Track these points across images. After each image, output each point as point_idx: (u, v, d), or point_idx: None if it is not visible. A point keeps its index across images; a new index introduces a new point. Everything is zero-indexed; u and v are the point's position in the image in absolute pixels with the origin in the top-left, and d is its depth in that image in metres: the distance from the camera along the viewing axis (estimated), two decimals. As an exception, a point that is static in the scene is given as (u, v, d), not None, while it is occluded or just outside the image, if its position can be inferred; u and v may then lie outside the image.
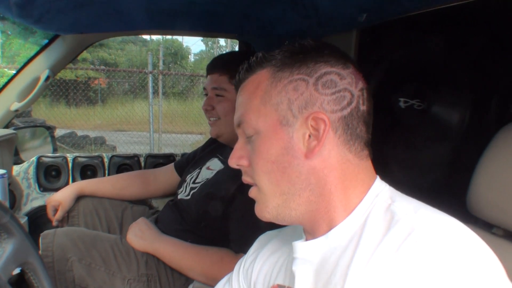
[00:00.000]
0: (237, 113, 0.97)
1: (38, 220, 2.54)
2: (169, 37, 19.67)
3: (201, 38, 20.17)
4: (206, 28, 2.52)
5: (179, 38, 20.93)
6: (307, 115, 0.87)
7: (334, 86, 0.87)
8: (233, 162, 0.98)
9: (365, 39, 2.18)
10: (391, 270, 0.74)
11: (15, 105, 2.37)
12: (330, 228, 0.89)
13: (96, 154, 2.82)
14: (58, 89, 11.80)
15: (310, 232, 0.94)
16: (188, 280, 1.83)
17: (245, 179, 0.98)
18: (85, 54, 15.79)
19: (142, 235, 1.87)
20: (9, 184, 2.38)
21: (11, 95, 2.37)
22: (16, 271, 1.11)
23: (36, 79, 2.36)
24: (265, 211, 0.94)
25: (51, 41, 2.36)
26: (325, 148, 0.87)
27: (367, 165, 0.92)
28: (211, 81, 1.95)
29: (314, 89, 0.87)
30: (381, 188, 0.90)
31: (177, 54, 20.07)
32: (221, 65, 1.96)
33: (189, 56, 22.99)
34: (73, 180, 2.70)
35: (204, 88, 2.01)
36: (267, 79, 0.92)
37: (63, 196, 2.18)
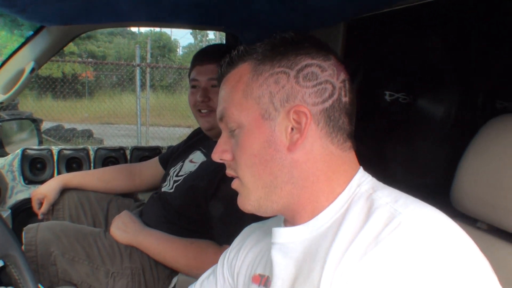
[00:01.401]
0: (219, 106, 0.97)
1: (23, 213, 2.53)
2: (157, 30, 19.63)
3: (190, 31, 20.14)
4: (193, 20, 2.51)
5: (168, 31, 20.88)
6: (288, 108, 0.87)
7: (315, 78, 0.87)
8: (216, 156, 0.98)
9: (353, 32, 2.18)
10: (369, 258, 0.74)
11: (0, 97, 2.35)
12: (312, 216, 0.89)
13: (82, 146, 2.81)
14: (45, 81, 11.75)
15: (290, 221, 0.95)
16: (173, 273, 1.83)
17: (229, 172, 0.98)
18: (72, 47, 15.70)
19: (125, 229, 1.86)
20: (-7, 177, 2.37)
21: (-4, 87, 2.35)
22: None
23: (21, 71, 2.34)
24: (247, 203, 0.94)
25: (36, 32, 2.34)
26: (307, 141, 0.87)
27: (350, 156, 0.92)
28: (207, 72, 1.94)
29: (295, 82, 0.87)
30: (363, 179, 0.90)
31: (165, 47, 20.01)
32: (218, 55, 1.93)
33: (177, 49, 22.93)
34: (58, 173, 2.69)
35: (194, 80, 1.98)
36: (249, 73, 0.91)
37: (48, 189, 2.17)
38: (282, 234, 0.93)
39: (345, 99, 0.90)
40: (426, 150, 2.38)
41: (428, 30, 2.37)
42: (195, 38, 23.26)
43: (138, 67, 10.51)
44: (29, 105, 12.18)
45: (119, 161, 2.78)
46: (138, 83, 10.36)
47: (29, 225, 1.86)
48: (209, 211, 1.76)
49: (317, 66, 0.88)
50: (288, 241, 0.92)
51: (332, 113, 0.88)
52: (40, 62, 2.38)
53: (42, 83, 11.67)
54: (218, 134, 0.99)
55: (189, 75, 2.02)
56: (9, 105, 8.17)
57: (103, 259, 1.81)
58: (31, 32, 2.42)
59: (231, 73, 0.95)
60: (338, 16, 2.07)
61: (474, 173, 1.12)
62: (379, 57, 2.42)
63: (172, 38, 21.47)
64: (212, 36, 20.58)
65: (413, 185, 2.34)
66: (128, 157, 2.83)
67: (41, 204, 2.17)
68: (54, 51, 2.46)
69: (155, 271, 1.84)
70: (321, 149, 0.88)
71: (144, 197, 2.63)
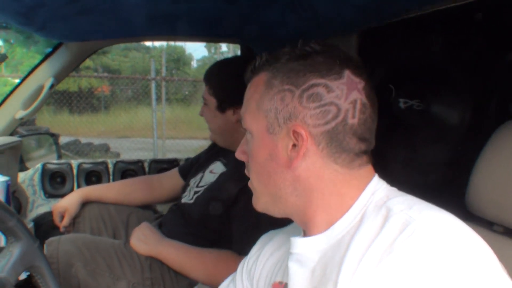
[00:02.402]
0: (242, 108, 1.00)
1: (44, 227, 2.56)
2: (171, 43, 19.70)
3: (204, 44, 20.21)
4: (207, 33, 2.54)
5: (182, 44, 20.96)
6: (290, 126, 0.88)
7: (319, 99, 0.86)
8: (237, 154, 1.03)
9: (365, 41, 2.20)
10: (384, 265, 0.75)
11: (20, 113, 2.39)
12: (327, 227, 0.90)
13: (101, 160, 2.84)
14: (61, 97, 11.84)
15: (305, 230, 0.96)
16: (192, 282, 1.84)
17: (245, 171, 1.02)
18: (88, 62, 15.82)
19: (145, 240, 1.88)
20: (14, 192, 2.41)
21: (16, 103, 2.39)
22: (23, 276, 1.12)
23: (41, 87, 2.38)
24: (257, 204, 1.00)
25: (54, 49, 2.38)
26: (308, 159, 0.88)
27: (361, 172, 0.91)
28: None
29: (298, 102, 0.87)
30: (378, 187, 0.90)
31: (180, 60, 20.08)
32: (205, 76, 2.04)
33: (192, 62, 23.01)
34: (78, 186, 2.71)
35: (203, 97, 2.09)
36: (263, 84, 0.93)
37: (69, 202, 2.20)
38: (299, 244, 0.94)
39: (352, 120, 0.87)
40: (442, 156, 2.38)
41: (440, 37, 2.37)
42: (209, 51, 23.33)
43: (153, 81, 10.58)
44: (46, 120, 12.24)
45: (137, 174, 2.80)
46: (153, 96, 10.43)
47: (51, 238, 1.88)
48: (228, 221, 1.78)
49: (323, 86, 0.86)
50: (304, 251, 0.93)
51: (334, 135, 0.87)
52: (58, 78, 2.43)
53: (58, 98, 11.77)
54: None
55: None
56: (27, 121, 8.25)
57: (123, 270, 1.83)
58: (48, 49, 2.46)
59: (254, 79, 0.97)
60: (350, 25, 2.09)
61: (489, 176, 1.12)
62: (392, 64, 2.43)
63: (187, 51, 21.57)
64: (225, 49, 20.62)
65: (428, 191, 2.34)
66: (147, 169, 2.86)
67: (62, 217, 2.19)
68: (72, 66, 2.50)
69: (175, 281, 1.86)
70: (324, 168, 0.89)
71: (163, 209, 2.65)
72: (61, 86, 11.23)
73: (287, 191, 0.92)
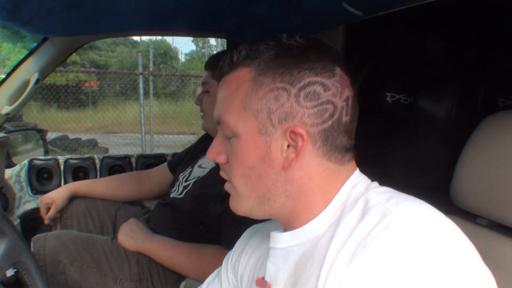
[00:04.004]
0: (217, 109, 0.93)
1: (31, 223, 2.55)
2: (159, 38, 19.64)
3: (192, 38, 20.18)
4: (194, 27, 2.53)
5: (169, 39, 20.91)
6: (286, 127, 0.84)
7: (316, 98, 0.84)
8: (211, 157, 0.96)
9: (352, 35, 2.20)
10: (359, 260, 0.73)
11: (6, 109, 2.37)
12: (308, 221, 0.88)
13: (88, 156, 2.83)
14: (49, 92, 11.78)
15: (286, 225, 0.94)
16: (180, 277, 1.84)
17: (222, 174, 0.97)
18: (75, 57, 15.75)
19: (132, 235, 1.89)
20: (1, 188, 2.40)
21: (2, 98, 2.37)
22: (11, 273, 1.12)
23: (26, 82, 2.36)
24: (239, 209, 0.94)
25: (40, 44, 2.36)
26: (303, 159, 0.85)
27: (349, 166, 0.91)
28: (203, 77, 2.05)
29: (296, 101, 0.84)
30: (359, 180, 0.89)
31: (167, 55, 20.04)
32: (208, 62, 2.06)
33: (179, 56, 22.95)
34: (65, 182, 2.70)
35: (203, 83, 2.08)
36: (249, 81, 0.87)
37: (57, 195, 2.20)
38: (281, 239, 0.93)
39: (345, 118, 0.86)
40: (428, 150, 2.39)
41: (427, 31, 2.38)
42: (197, 45, 23.30)
43: (141, 76, 10.55)
44: (34, 116, 12.19)
45: (125, 169, 2.80)
46: (141, 91, 10.39)
47: (37, 235, 1.88)
48: (218, 216, 1.78)
49: (320, 84, 0.84)
50: (286, 245, 0.91)
51: (330, 133, 0.85)
52: (44, 73, 2.41)
53: (46, 94, 11.71)
54: (215, 135, 0.99)
55: None
56: (14, 117, 8.20)
57: (111, 266, 1.83)
58: (34, 44, 2.45)
59: (231, 74, 0.91)
60: (337, 19, 2.09)
61: (473, 169, 1.13)
62: (379, 59, 2.43)
63: (173, 45, 21.50)
64: (214, 42, 20.60)
65: (415, 185, 2.36)
66: (134, 165, 2.85)
67: (48, 209, 2.19)
68: (58, 61, 2.49)
69: (163, 276, 1.86)
70: (317, 166, 0.87)
71: (151, 205, 2.64)
72: (48, 80, 11.19)
73: (277, 192, 0.88)
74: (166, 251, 1.82)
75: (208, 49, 21.28)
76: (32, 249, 1.81)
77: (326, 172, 0.87)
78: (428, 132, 2.48)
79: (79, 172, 2.77)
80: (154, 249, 1.84)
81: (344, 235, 0.79)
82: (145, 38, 19.79)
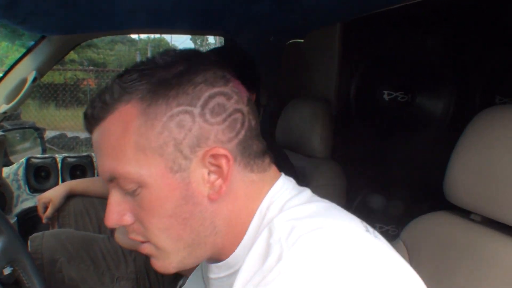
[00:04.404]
0: (103, 165, 0.76)
1: (29, 221, 2.55)
2: (157, 36, 19.63)
3: (190, 36, 20.17)
4: (191, 25, 2.54)
5: (168, 37, 20.90)
6: (202, 153, 0.72)
7: (223, 110, 0.73)
8: (112, 223, 0.78)
9: (349, 32, 2.21)
10: None
11: (3, 107, 2.37)
12: (229, 254, 0.79)
13: (85, 154, 2.83)
14: (47, 91, 11.77)
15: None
16: (178, 276, 1.84)
17: (133, 237, 0.79)
18: (73, 55, 15.73)
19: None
20: (-1, 186, 2.40)
21: (-1, 97, 2.38)
22: (8, 271, 1.12)
23: (23, 81, 2.36)
24: (169, 268, 0.78)
25: (37, 42, 2.36)
26: (226, 182, 0.74)
27: (271, 172, 0.81)
28: None
29: (203, 121, 0.72)
30: (277, 196, 0.78)
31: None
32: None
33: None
34: (63, 181, 2.70)
35: None
36: (136, 118, 0.72)
37: (54, 194, 2.20)
38: (212, 270, 0.83)
39: (253, 122, 0.78)
40: (425, 148, 2.39)
41: (425, 29, 2.39)
42: (195, 43, 23.30)
43: (139, 74, 10.54)
44: (32, 114, 12.19)
45: (122, 167, 2.79)
46: (139, 89, 10.38)
47: (34, 234, 1.88)
48: None
49: (221, 94, 0.74)
50: (214, 277, 0.83)
51: (246, 143, 0.76)
52: (42, 71, 2.41)
53: (44, 92, 11.71)
54: None
55: None
56: (12, 115, 8.19)
57: (108, 264, 1.83)
58: (32, 42, 2.44)
59: (108, 119, 0.74)
60: (334, 16, 2.09)
61: (466, 165, 1.13)
62: (376, 57, 2.44)
63: (171, 43, 21.48)
64: (212, 40, 20.59)
65: (412, 183, 2.36)
66: (131, 163, 2.85)
67: (46, 208, 2.19)
68: (56, 60, 2.48)
69: (160, 274, 1.86)
70: (241, 183, 0.76)
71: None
72: (46, 78, 11.18)
73: (206, 233, 0.76)
74: None
75: (206, 47, 21.27)
76: (29, 248, 1.81)
77: (250, 187, 0.77)
78: (425, 130, 2.49)
79: (76, 170, 2.77)
80: None
81: (243, 279, 0.71)
82: (143, 36, 19.76)
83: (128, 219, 0.77)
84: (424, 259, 1.19)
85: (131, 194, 0.74)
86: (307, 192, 0.81)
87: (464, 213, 1.17)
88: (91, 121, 0.76)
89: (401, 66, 2.43)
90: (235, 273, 0.75)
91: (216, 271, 0.82)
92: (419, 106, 2.48)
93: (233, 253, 0.77)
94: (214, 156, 0.72)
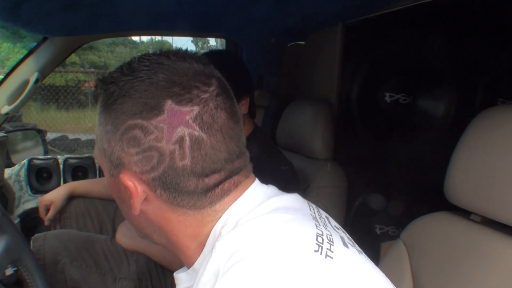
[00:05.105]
0: None
1: (30, 222, 2.55)
2: (159, 38, 19.64)
3: (191, 38, 20.18)
4: (193, 27, 2.54)
5: (169, 39, 20.90)
6: (120, 174, 0.76)
7: (137, 144, 0.73)
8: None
9: (351, 34, 2.21)
10: None
11: (5, 108, 2.37)
12: (189, 266, 0.81)
13: (87, 155, 2.84)
14: (48, 93, 11.78)
15: None
16: (180, 277, 1.84)
17: None
18: (74, 58, 15.74)
19: (130, 235, 1.89)
20: (0, 187, 2.40)
21: (1, 98, 2.38)
22: (10, 271, 1.12)
23: (26, 82, 2.37)
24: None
25: (39, 43, 2.37)
26: (153, 204, 0.77)
27: (217, 207, 0.78)
28: None
29: (120, 148, 0.74)
30: (228, 221, 0.76)
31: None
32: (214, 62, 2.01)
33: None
34: (65, 182, 2.71)
35: None
36: (99, 118, 0.79)
37: (55, 196, 2.19)
38: (176, 279, 0.86)
39: (182, 162, 0.73)
40: (427, 150, 2.40)
41: (426, 30, 2.39)
42: (196, 45, 23.30)
43: (140, 76, 10.54)
44: (33, 116, 12.18)
45: (123, 168, 2.79)
46: (140, 92, 10.38)
47: (37, 234, 1.88)
48: None
49: (139, 128, 0.72)
50: (180, 287, 0.85)
51: (167, 180, 0.74)
52: (44, 72, 2.41)
53: (45, 94, 11.71)
54: None
55: None
56: (13, 117, 8.20)
57: (110, 265, 1.83)
58: (34, 44, 2.45)
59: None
60: (335, 18, 2.10)
61: (466, 166, 1.14)
62: (378, 58, 2.44)
63: (174, 46, 21.50)
64: (213, 43, 20.60)
65: (413, 184, 2.37)
66: (132, 164, 2.85)
67: (48, 210, 2.19)
68: (58, 61, 2.49)
69: (162, 275, 1.86)
70: (170, 212, 0.77)
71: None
72: (47, 80, 11.19)
73: (148, 230, 0.83)
74: (164, 250, 1.82)
75: (208, 49, 21.28)
76: (31, 248, 1.81)
77: (184, 217, 0.77)
78: (427, 132, 2.49)
79: (78, 171, 2.78)
80: (152, 248, 1.84)
81: None
82: (145, 38, 19.79)
83: None
84: (424, 259, 1.19)
85: None
86: (274, 201, 0.79)
87: (464, 213, 1.18)
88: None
89: (403, 68, 2.44)
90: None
91: (177, 282, 0.86)
92: (420, 108, 2.48)
93: (191, 268, 0.80)
94: (123, 182, 0.75)
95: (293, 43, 2.76)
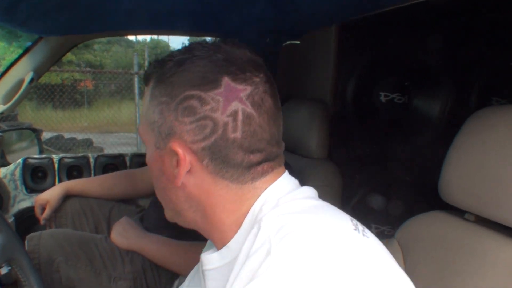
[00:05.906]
0: None
1: (26, 222, 2.55)
2: (154, 37, 19.63)
3: (187, 38, 20.17)
4: (189, 27, 2.54)
5: (165, 38, 20.89)
6: (170, 143, 0.80)
7: (193, 113, 0.77)
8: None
9: (346, 34, 2.21)
10: None
11: (0, 108, 2.37)
12: (222, 245, 0.83)
13: (82, 154, 2.83)
14: (44, 92, 11.74)
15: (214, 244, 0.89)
16: (174, 276, 1.84)
17: None
18: (70, 57, 15.71)
19: (125, 234, 1.89)
20: (-5, 187, 2.40)
21: (-4, 97, 2.38)
22: (5, 270, 1.12)
23: (20, 82, 2.37)
24: (166, 215, 0.93)
25: (34, 43, 2.37)
26: (196, 176, 0.80)
27: (256, 185, 0.82)
28: None
29: (174, 117, 0.79)
30: (270, 198, 0.80)
31: (162, 54, 20.03)
32: None
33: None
34: (60, 181, 2.70)
35: None
36: (149, 95, 0.84)
37: (51, 195, 2.19)
38: (204, 260, 0.88)
39: (234, 135, 0.77)
40: (422, 149, 2.40)
41: (421, 30, 2.40)
42: (192, 44, 23.28)
43: (136, 75, 10.53)
44: (28, 115, 12.14)
45: (119, 168, 2.79)
46: (136, 91, 10.37)
47: (32, 234, 1.88)
48: None
49: (196, 98, 0.77)
50: (208, 268, 0.87)
51: (216, 150, 0.78)
52: (39, 72, 2.41)
53: (41, 94, 11.68)
54: None
55: None
56: (9, 116, 8.17)
57: (105, 264, 1.83)
58: (29, 43, 2.45)
59: (146, 88, 0.87)
60: (330, 18, 2.10)
61: (460, 165, 1.14)
62: (373, 58, 2.44)
63: (170, 45, 21.47)
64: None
65: (408, 184, 2.37)
66: (128, 163, 2.85)
67: (43, 209, 2.19)
68: (53, 61, 2.49)
69: (157, 274, 1.86)
70: (213, 185, 0.81)
71: (145, 203, 2.65)
72: (43, 80, 11.17)
73: (183, 207, 0.85)
74: (159, 250, 1.83)
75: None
76: (26, 248, 1.81)
77: (226, 191, 0.81)
78: (422, 131, 2.49)
79: (73, 170, 2.77)
80: (147, 247, 1.84)
81: (239, 266, 0.75)
82: (140, 37, 19.76)
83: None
84: (419, 258, 1.20)
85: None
86: (305, 189, 0.87)
87: (459, 212, 1.18)
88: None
89: (398, 67, 2.44)
90: (226, 265, 0.81)
91: (205, 263, 0.87)
92: (416, 108, 2.49)
93: (226, 246, 0.82)
94: (175, 149, 0.79)
95: (289, 42, 2.76)
